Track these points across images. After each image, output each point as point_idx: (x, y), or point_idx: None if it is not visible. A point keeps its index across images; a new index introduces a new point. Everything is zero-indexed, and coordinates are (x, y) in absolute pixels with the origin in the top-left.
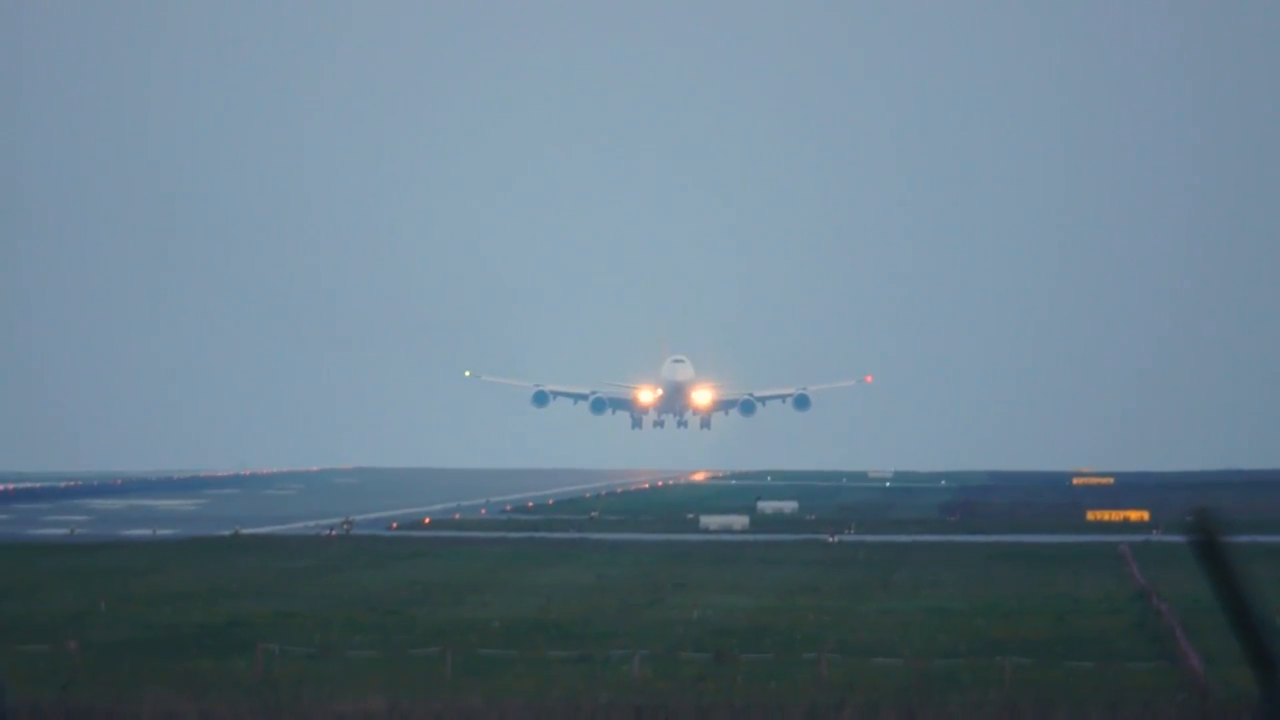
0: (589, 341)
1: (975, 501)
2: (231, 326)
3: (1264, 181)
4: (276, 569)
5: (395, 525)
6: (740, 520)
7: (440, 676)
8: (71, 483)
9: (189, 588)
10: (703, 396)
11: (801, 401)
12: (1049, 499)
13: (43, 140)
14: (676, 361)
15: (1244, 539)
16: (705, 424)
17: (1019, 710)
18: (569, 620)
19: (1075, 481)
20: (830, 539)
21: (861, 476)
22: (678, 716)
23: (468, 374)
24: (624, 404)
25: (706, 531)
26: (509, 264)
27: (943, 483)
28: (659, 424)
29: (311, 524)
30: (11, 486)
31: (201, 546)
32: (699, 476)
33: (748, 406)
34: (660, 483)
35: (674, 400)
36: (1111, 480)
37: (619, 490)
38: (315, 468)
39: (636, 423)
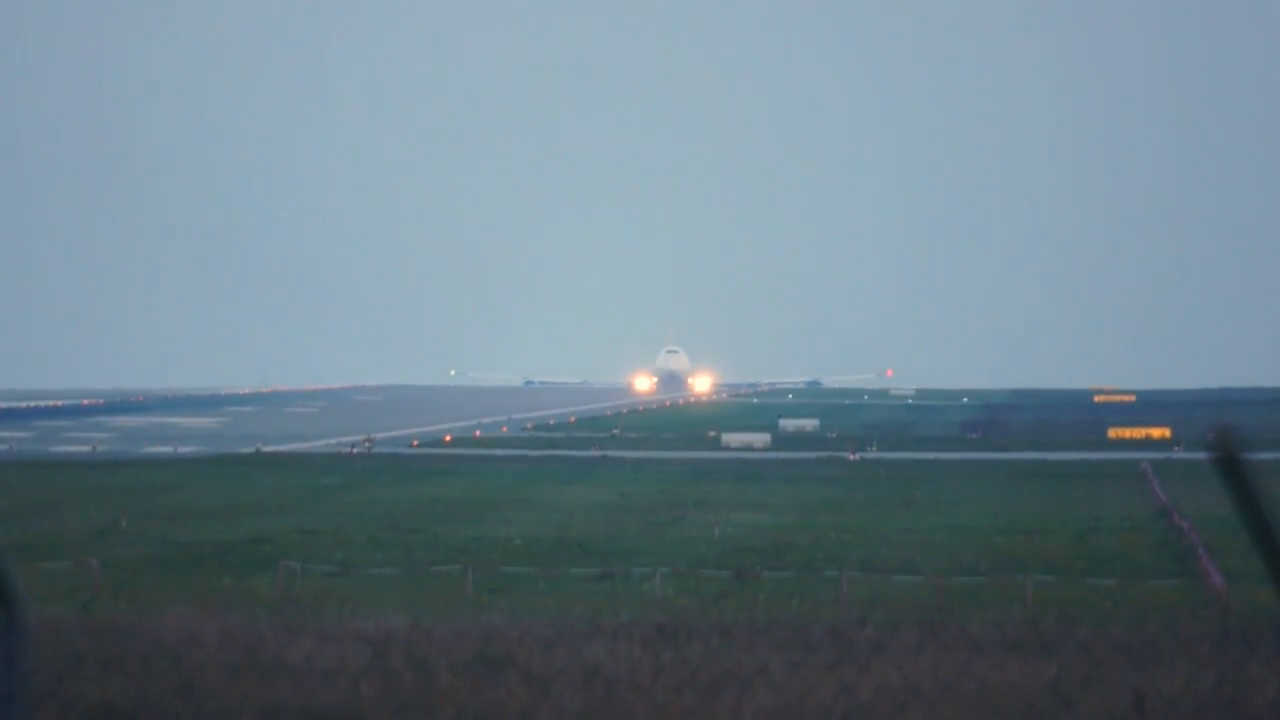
0: (577, 341)
1: (997, 419)
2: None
3: None
4: (298, 486)
5: (416, 443)
6: (762, 438)
7: (461, 594)
8: (93, 400)
9: (211, 505)
10: (702, 383)
11: (814, 386)
12: (1071, 416)
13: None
14: (670, 352)
15: (1266, 456)
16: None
17: (1041, 627)
18: (591, 538)
19: (1097, 399)
20: (851, 457)
21: (883, 394)
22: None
23: (453, 373)
24: (619, 389)
25: (728, 449)
26: (505, 265)
27: (965, 400)
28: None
29: (333, 442)
30: (34, 404)
31: (223, 464)
32: (704, 390)
33: (754, 388)
34: (683, 400)
35: (671, 387)
36: (1133, 398)
37: (640, 408)
38: (339, 385)
39: None
